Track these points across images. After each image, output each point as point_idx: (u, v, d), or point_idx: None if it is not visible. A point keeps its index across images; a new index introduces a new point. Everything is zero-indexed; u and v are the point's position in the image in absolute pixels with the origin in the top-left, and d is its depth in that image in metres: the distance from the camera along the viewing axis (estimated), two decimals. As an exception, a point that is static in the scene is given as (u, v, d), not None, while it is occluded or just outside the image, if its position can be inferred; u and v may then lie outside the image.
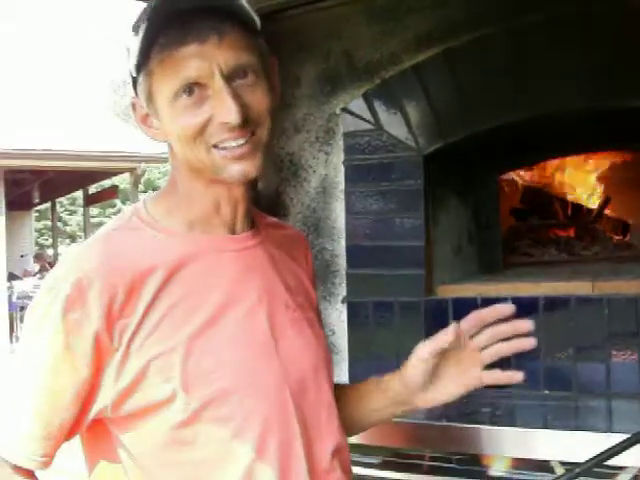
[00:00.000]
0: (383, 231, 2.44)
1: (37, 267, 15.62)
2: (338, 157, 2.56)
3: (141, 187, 21.02)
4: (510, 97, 2.29)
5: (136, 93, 1.19)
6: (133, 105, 1.20)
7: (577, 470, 1.40)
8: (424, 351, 1.30)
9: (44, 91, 16.16)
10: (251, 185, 1.25)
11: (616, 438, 1.73)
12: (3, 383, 1.16)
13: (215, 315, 1.16)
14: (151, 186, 28.32)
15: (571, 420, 2.02)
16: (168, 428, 1.11)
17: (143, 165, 14.59)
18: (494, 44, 2.30)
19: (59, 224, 23.41)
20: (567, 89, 2.21)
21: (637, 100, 2.15)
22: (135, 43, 1.11)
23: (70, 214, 28.31)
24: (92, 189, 17.48)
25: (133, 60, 1.13)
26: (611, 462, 1.71)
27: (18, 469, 1.13)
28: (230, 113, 1.09)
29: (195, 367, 1.12)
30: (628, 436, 1.45)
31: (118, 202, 26.09)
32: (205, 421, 1.12)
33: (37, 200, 16.77)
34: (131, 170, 14.72)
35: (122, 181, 20.87)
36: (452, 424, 1.94)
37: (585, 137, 2.69)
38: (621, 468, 1.75)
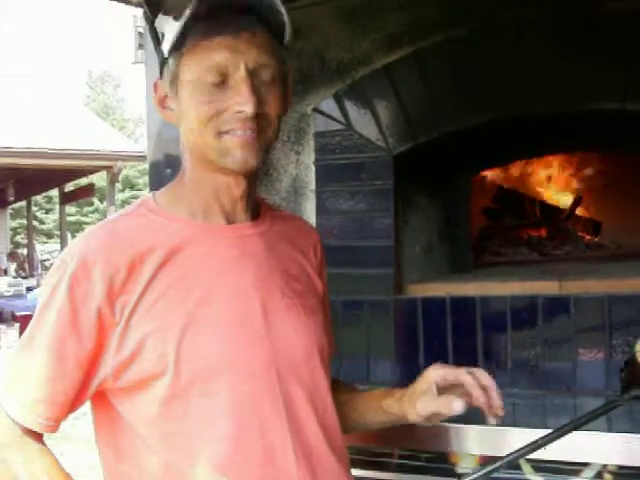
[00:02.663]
0: (353, 231, 2.45)
1: (11, 266, 15.49)
2: (309, 157, 2.56)
3: (119, 186, 20.91)
4: (481, 98, 2.31)
5: (161, 75, 1.29)
6: (155, 86, 1.31)
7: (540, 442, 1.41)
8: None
9: (20, 88, 16.01)
10: (255, 180, 1.34)
11: (582, 435, 1.76)
12: (15, 353, 1.25)
13: (209, 296, 1.24)
14: (129, 184, 28.18)
15: (538, 417, 2.04)
16: (160, 400, 1.20)
17: (119, 163, 14.52)
18: (465, 45, 2.31)
19: (35, 223, 23.22)
20: (537, 90, 2.22)
21: (606, 102, 2.18)
22: (174, 27, 1.21)
23: (46, 212, 28.09)
24: (69, 187, 17.36)
25: (169, 41, 1.23)
26: (574, 458, 1.73)
27: (27, 431, 1.22)
28: (247, 103, 1.19)
29: (187, 344, 1.20)
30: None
31: (96, 201, 25.91)
32: (193, 396, 1.20)
33: (12, 198, 16.63)
34: (108, 168, 14.64)
35: (99, 179, 20.74)
36: (422, 423, 1.95)
37: (556, 138, 2.71)
38: (585, 464, 1.76)
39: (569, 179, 3.54)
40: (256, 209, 1.38)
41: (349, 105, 2.47)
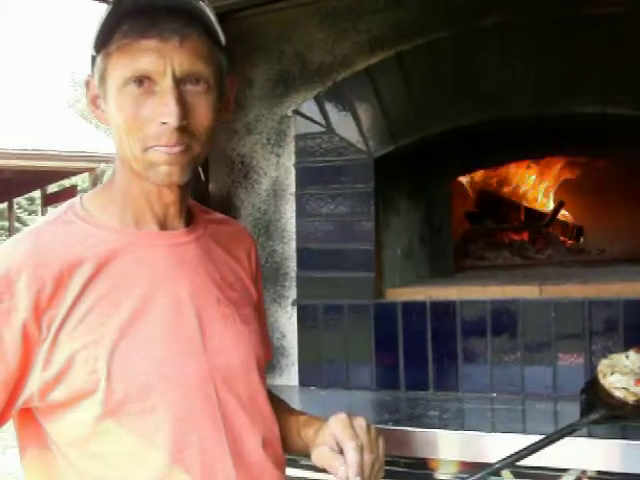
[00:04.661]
0: (333, 234, 2.44)
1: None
2: (289, 159, 2.55)
3: (101, 187, 20.79)
4: (462, 101, 2.30)
5: (92, 72, 1.22)
6: (87, 83, 1.24)
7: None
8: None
9: (2, 88, 15.92)
10: (188, 186, 1.27)
11: (561, 441, 1.75)
12: None
13: (141, 308, 1.19)
14: (112, 186, 28.08)
15: (518, 423, 2.03)
16: (91, 419, 1.14)
17: (102, 165, 14.46)
18: (446, 48, 2.31)
19: (17, 224, 23.09)
20: (519, 93, 2.22)
21: (587, 106, 2.18)
22: (101, 21, 1.13)
23: (29, 214, 27.93)
24: (51, 189, 17.25)
25: (94, 37, 1.15)
26: (554, 464, 1.73)
27: None
28: (171, 115, 1.12)
29: (119, 360, 1.14)
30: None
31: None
32: (127, 413, 1.15)
33: (-7, 200, 16.54)
34: (90, 170, 14.57)
35: (82, 181, 20.65)
36: (400, 427, 1.94)
37: (538, 141, 2.72)
38: (564, 470, 1.76)
39: (551, 183, 3.55)
40: (189, 214, 1.33)
41: (330, 107, 2.45)
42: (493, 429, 1.88)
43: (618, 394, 1.36)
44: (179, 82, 1.14)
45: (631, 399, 1.34)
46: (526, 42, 2.20)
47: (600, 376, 1.41)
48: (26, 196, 23.31)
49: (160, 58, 1.13)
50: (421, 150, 2.49)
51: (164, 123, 1.13)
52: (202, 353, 1.23)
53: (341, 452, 1.27)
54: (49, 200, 17.09)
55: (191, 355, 1.22)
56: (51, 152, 13.72)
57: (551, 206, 3.59)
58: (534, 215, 3.59)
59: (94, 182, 14.69)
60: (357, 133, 2.41)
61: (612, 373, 1.40)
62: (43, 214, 17.42)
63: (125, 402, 1.14)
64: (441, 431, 1.88)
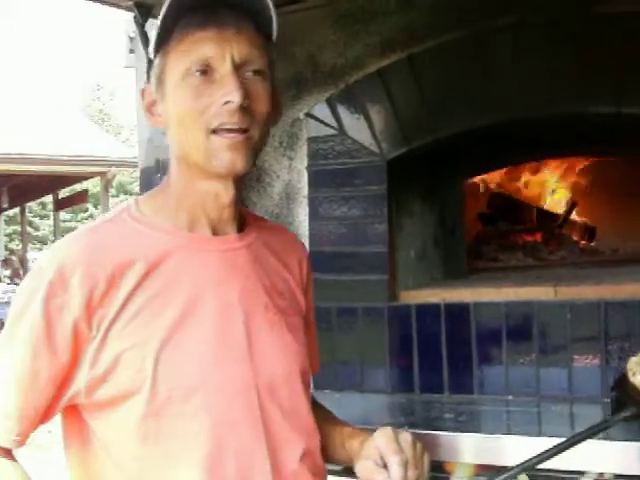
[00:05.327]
0: (346, 236, 2.43)
1: (6, 272, 15.45)
2: (302, 162, 2.55)
3: (113, 191, 20.90)
4: (474, 102, 2.29)
5: (148, 79, 1.27)
6: (142, 91, 1.28)
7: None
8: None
9: (14, 93, 16.00)
10: (240, 190, 1.29)
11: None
12: None
13: (190, 311, 1.20)
14: (123, 190, 28.18)
15: (534, 425, 2.02)
16: (134, 419, 1.16)
17: (113, 169, 14.52)
18: (458, 49, 2.30)
19: (30, 229, 23.18)
20: (532, 94, 2.22)
21: (602, 106, 2.17)
22: (159, 22, 1.18)
23: (41, 219, 28.03)
24: (62, 193, 17.33)
25: (153, 42, 1.22)
26: (570, 467, 1.71)
27: None
28: (233, 93, 1.16)
29: (165, 361, 1.16)
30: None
31: (90, 206, 25.89)
32: (169, 415, 1.16)
33: (6, 205, 16.60)
34: (102, 174, 14.63)
35: (93, 185, 20.70)
36: (415, 431, 1.93)
37: (551, 142, 2.70)
38: (581, 473, 1.74)
39: (564, 184, 3.54)
40: (242, 220, 1.34)
41: (342, 110, 2.45)
42: (509, 431, 1.87)
43: None
44: (238, 66, 1.18)
45: None
46: (539, 42, 2.19)
47: (630, 374, 1.42)
48: (38, 201, 23.40)
49: (219, 45, 1.17)
50: (434, 152, 2.48)
51: (227, 103, 1.16)
52: (247, 360, 1.23)
53: (385, 466, 1.26)
54: (61, 205, 17.17)
55: (236, 361, 1.22)
56: (62, 157, 13.78)
57: (563, 207, 3.57)
58: (547, 216, 3.58)
59: (105, 186, 14.74)
60: (369, 135, 2.41)
61: None
62: (55, 219, 17.51)
63: (168, 404, 1.16)
64: (457, 434, 1.87)
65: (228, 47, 1.17)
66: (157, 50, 1.22)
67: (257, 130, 1.21)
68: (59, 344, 1.14)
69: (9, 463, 1.18)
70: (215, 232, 1.28)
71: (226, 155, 1.19)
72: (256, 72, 1.20)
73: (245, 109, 1.17)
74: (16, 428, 1.15)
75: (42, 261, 1.20)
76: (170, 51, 1.20)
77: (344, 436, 1.41)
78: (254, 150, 1.22)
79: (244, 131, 1.19)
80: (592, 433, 1.39)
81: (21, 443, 1.17)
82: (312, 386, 2.43)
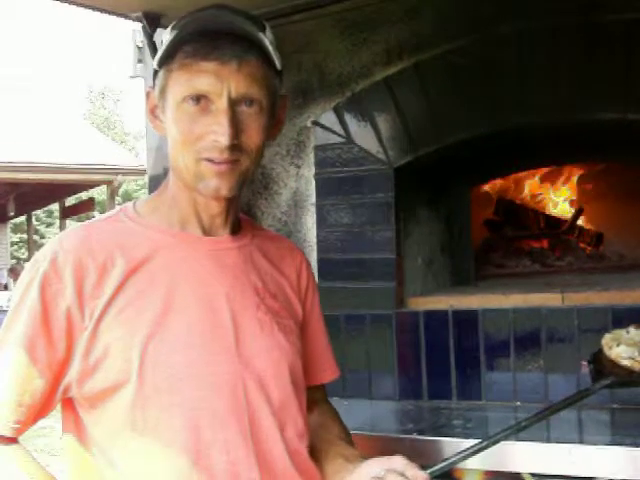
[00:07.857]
0: (354, 244, 2.44)
1: (12, 281, 15.46)
2: (309, 170, 2.56)
3: (119, 199, 20.92)
4: (481, 110, 2.30)
5: (153, 83, 1.30)
6: (147, 94, 1.32)
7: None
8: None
9: (20, 102, 16.03)
10: (235, 199, 1.32)
11: (585, 449, 1.74)
12: None
13: (178, 304, 1.23)
14: (129, 198, 28.21)
15: (542, 431, 2.02)
16: (122, 411, 1.18)
17: (120, 177, 14.53)
18: (464, 57, 2.31)
19: (36, 237, 23.22)
20: (537, 101, 2.22)
21: (608, 112, 2.17)
22: (166, 41, 1.22)
23: (47, 227, 28.10)
24: (69, 202, 17.36)
25: (159, 55, 1.24)
26: (581, 472, 1.72)
27: None
28: (224, 135, 1.20)
29: (152, 353, 1.19)
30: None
31: (97, 214, 25.95)
32: (156, 407, 1.18)
33: (12, 213, 16.63)
34: (108, 182, 14.65)
35: (99, 193, 20.75)
36: (424, 437, 1.93)
37: (557, 149, 2.71)
38: (591, 479, 1.74)
39: (570, 190, 3.53)
40: (237, 226, 1.37)
41: (349, 118, 2.46)
42: (517, 438, 1.87)
43: (625, 363, 1.44)
44: (234, 103, 1.22)
45: (638, 367, 1.43)
46: (545, 49, 2.20)
47: (606, 348, 1.49)
48: (44, 209, 23.47)
49: (218, 80, 1.20)
50: (441, 159, 2.49)
51: (216, 141, 1.20)
52: (234, 355, 1.25)
53: None
54: (67, 213, 17.20)
55: (222, 355, 1.24)
56: (69, 165, 13.81)
57: (570, 213, 3.57)
58: (553, 222, 3.57)
59: (112, 194, 14.76)
60: (377, 143, 2.42)
61: (618, 345, 1.48)
62: (61, 227, 17.52)
63: (154, 394, 1.18)
64: (466, 440, 1.87)
65: (227, 83, 1.20)
66: (161, 65, 1.26)
67: (247, 159, 1.25)
68: (55, 332, 1.18)
69: (7, 448, 1.19)
70: (206, 234, 1.32)
71: (212, 181, 1.23)
72: (253, 102, 1.23)
73: (235, 145, 1.21)
74: (13, 416, 1.17)
75: (38, 255, 1.24)
76: (173, 71, 1.24)
77: (336, 467, 1.34)
78: (243, 176, 1.26)
79: (234, 161, 1.23)
80: (574, 400, 1.45)
81: (19, 432, 1.19)
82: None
